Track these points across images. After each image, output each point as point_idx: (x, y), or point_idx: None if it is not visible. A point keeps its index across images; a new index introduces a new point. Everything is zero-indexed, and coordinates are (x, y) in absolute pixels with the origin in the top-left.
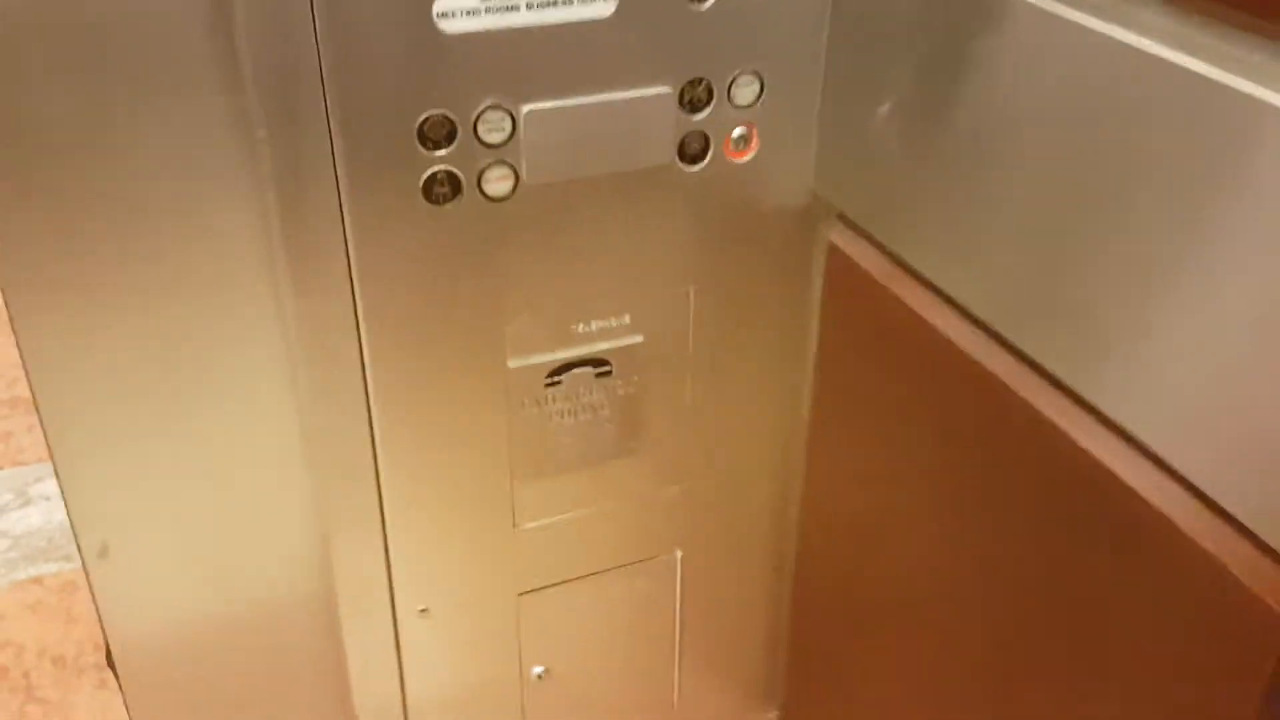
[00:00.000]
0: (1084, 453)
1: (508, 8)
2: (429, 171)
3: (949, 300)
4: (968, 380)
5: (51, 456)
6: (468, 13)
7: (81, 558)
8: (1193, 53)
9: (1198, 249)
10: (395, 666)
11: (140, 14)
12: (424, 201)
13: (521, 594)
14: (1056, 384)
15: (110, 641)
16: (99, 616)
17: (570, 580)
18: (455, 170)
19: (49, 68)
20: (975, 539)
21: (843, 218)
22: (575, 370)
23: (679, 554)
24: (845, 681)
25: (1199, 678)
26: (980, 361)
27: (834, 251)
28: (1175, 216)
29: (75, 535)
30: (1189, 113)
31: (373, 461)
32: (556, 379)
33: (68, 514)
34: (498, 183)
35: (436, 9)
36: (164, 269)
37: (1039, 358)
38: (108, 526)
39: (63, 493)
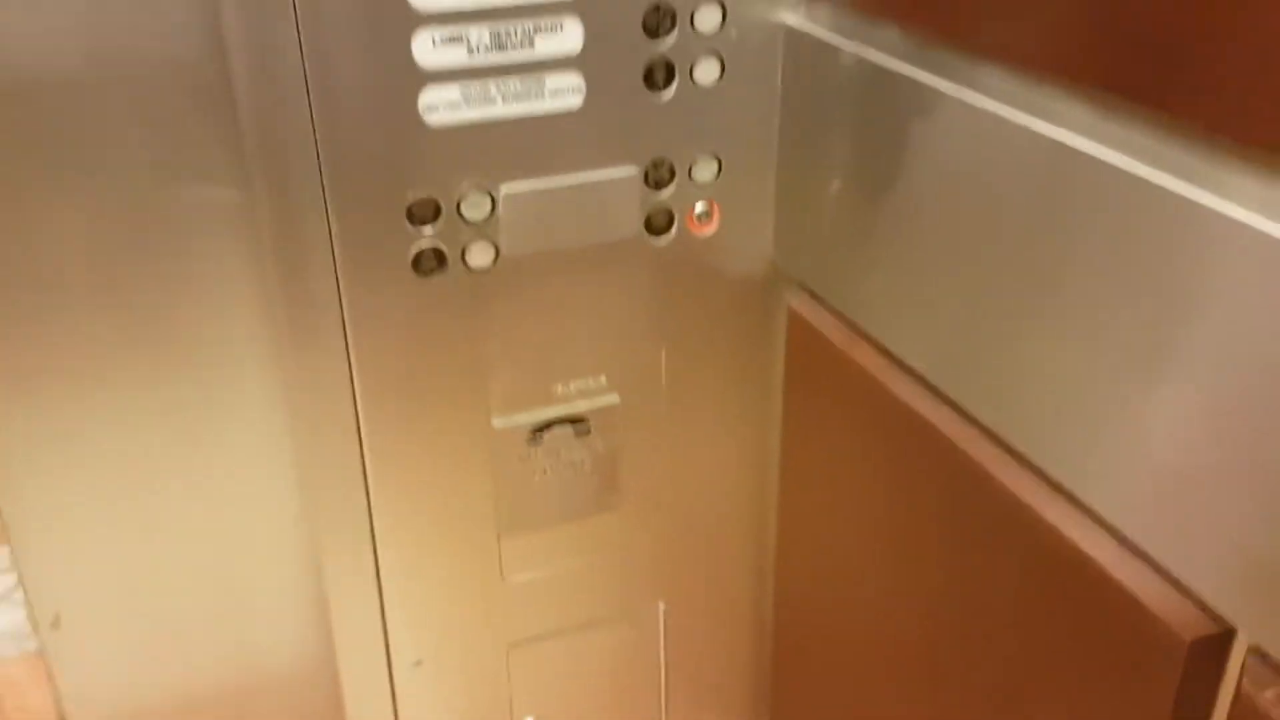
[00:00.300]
0: (1022, 504)
1: (486, 100)
2: (417, 247)
3: (901, 364)
4: (919, 437)
5: (2, 518)
6: (450, 106)
7: (35, 628)
8: (1112, 145)
9: (1121, 324)
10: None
11: (154, 105)
12: (413, 274)
13: (511, 645)
14: (999, 441)
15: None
16: (55, 691)
17: (557, 632)
18: (441, 245)
19: (59, 145)
20: (931, 584)
21: (801, 286)
22: (556, 428)
23: (662, 605)
24: None
25: (1119, 702)
26: (930, 420)
27: (794, 317)
28: (1096, 293)
29: (28, 603)
30: (1109, 202)
31: (367, 518)
32: (538, 437)
33: (20, 581)
34: (480, 256)
35: (422, 103)
36: (155, 337)
37: (983, 419)
38: (65, 595)
39: (14, 557)
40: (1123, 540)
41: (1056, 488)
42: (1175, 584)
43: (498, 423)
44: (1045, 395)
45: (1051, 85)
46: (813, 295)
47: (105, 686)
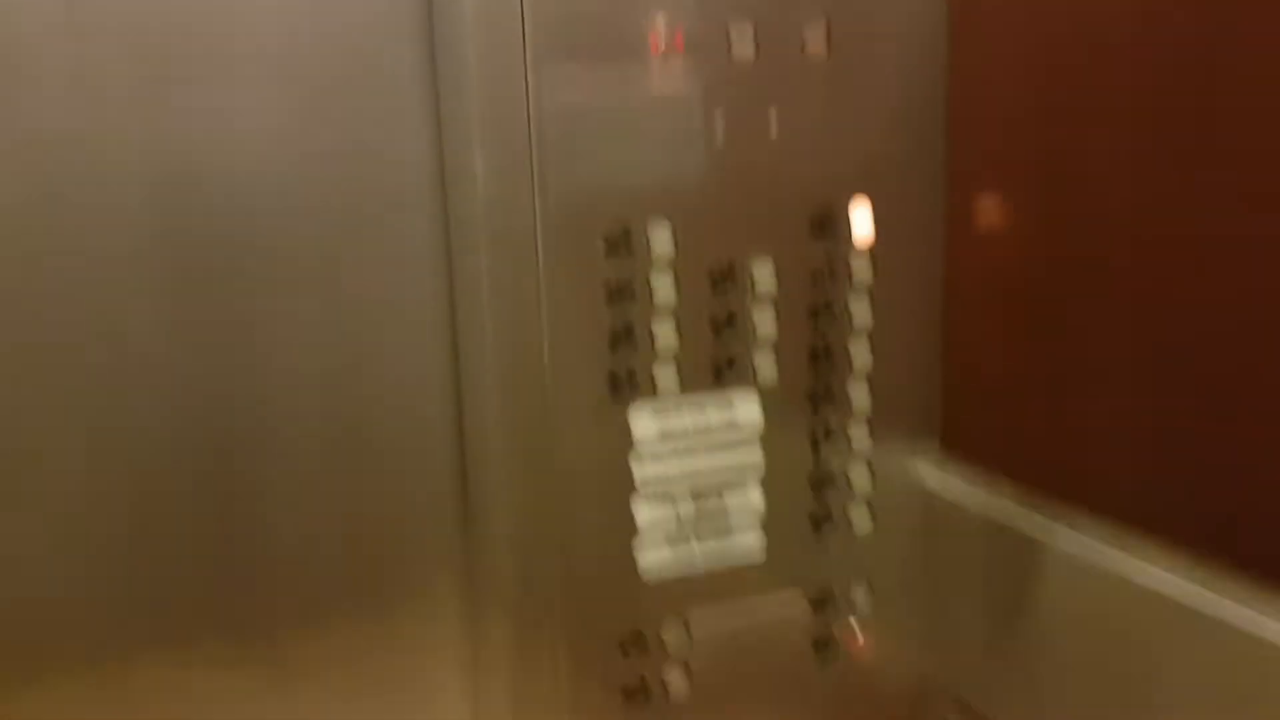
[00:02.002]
0: None
1: (688, 557)
2: (626, 679)
3: None
4: None
5: None
6: (659, 563)
7: None
8: (1187, 589)
9: None
10: None
11: (406, 552)
12: (622, 702)
13: None
14: None
15: None
16: None
17: None
18: (645, 675)
19: None
20: None
21: (950, 695)
22: None
23: None
24: None
25: None
26: None
27: None
28: (1188, 701)
29: None
30: (1186, 633)
31: None
32: None
33: None
34: (677, 685)
35: (640, 562)
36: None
37: None
38: None
39: None
40: None
41: None
42: None
43: None
44: None
45: (1132, 535)
46: (962, 705)
47: None
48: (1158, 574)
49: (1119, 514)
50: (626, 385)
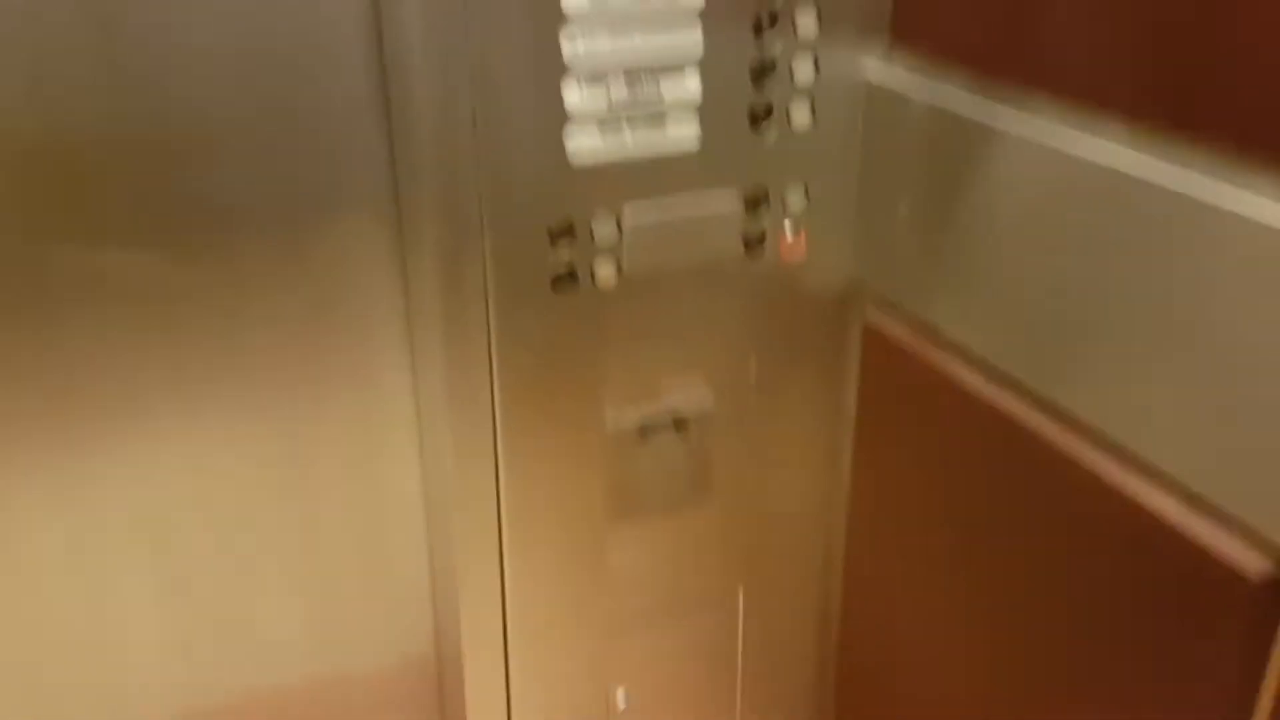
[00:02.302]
0: (1087, 471)
1: (620, 141)
2: (555, 268)
3: (965, 355)
4: (983, 420)
5: None
6: (590, 149)
7: None
8: (1139, 166)
9: (1154, 306)
10: (504, 693)
11: (310, 135)
12: (550, 290)
13: (609, 622)
14: (1060, 416)
15: None
16: None
17: (649, 611)
18: (574, 264)
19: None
20: (1000, 561)
21: (875, 296)
22: (660, 427)
23: (741, 591)
24: (892, 707)
25: (1187, 646)
26: (994, 403)
27: (868, 324)
28: (1137, 280)
29: None
30: (1141, 208)
31: (495, 501)
32: (645, 435)
33: None
34: (605, 273)
35: (569, 147)
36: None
37: (1044, 392)
38: None
39: None
40: (1190, 496)
41: (1121, 453)
42: (1243, 534)
43: (611, 421)
44: (1107, 366)
45: (1087, 114)
46: (886, 304)
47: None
48: (1112, 149)
49: (1074, 93)
50: None
